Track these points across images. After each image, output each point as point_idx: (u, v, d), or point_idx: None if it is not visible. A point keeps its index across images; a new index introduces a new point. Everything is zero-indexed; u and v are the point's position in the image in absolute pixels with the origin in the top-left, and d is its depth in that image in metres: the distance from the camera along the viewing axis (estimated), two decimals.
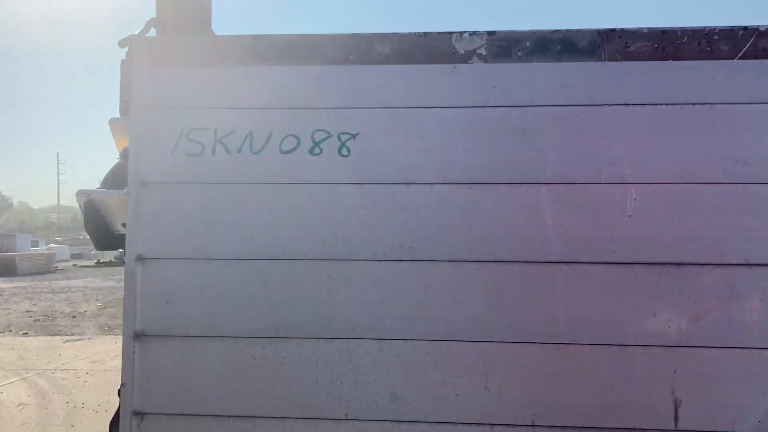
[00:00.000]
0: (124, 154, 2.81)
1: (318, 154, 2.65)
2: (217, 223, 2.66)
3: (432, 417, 2.54)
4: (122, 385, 2.61)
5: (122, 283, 2.63)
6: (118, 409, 2.65)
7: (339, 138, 2.65)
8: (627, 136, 2.54)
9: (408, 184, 2.61)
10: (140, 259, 2.65)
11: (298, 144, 2.66)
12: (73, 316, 14.96)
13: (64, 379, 8.06)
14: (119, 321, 13.86)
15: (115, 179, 2.89)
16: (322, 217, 2.62)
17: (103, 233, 2.79)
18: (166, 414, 2.61)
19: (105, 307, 16.78)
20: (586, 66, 2.60)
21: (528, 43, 2.64)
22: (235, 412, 2.60)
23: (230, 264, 2.64)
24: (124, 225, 2.79)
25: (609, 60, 2.59)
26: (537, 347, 2.51)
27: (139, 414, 2.60)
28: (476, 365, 2.53)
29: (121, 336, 2.66)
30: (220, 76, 2.71)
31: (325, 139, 2.65)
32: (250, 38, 2.73)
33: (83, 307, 16.74)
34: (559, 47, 2.63)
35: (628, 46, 2.60)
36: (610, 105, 2.57)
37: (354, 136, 2.65)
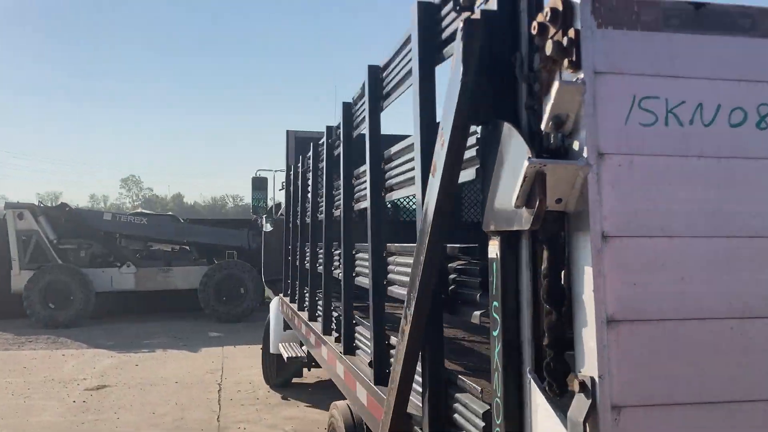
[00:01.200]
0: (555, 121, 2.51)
1: (764, 129, 2.59)
2: (674, 199, 2.49)
3: None
4: (599, 377, 2.35)
5: None
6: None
7: None
8: None
9: None
10: (605, 237, 2.40)
11: (746, 117, 2.57)
12: None
13: None
14: None
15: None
16: None
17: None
18: (644, 406, 2.39)
19: None
20: None
21: None
22: (711, 398, 2.45)
23: (692, 242, 2.48)
24: (558, 200, 2.51)
25: None
26: None
27: (617, 408, 2.36)
28: None
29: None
30: (665, 41, 2.54)
31: None
32: (692, 5, 2.58)
33: None
34: None
35: None
36: None
37: None
